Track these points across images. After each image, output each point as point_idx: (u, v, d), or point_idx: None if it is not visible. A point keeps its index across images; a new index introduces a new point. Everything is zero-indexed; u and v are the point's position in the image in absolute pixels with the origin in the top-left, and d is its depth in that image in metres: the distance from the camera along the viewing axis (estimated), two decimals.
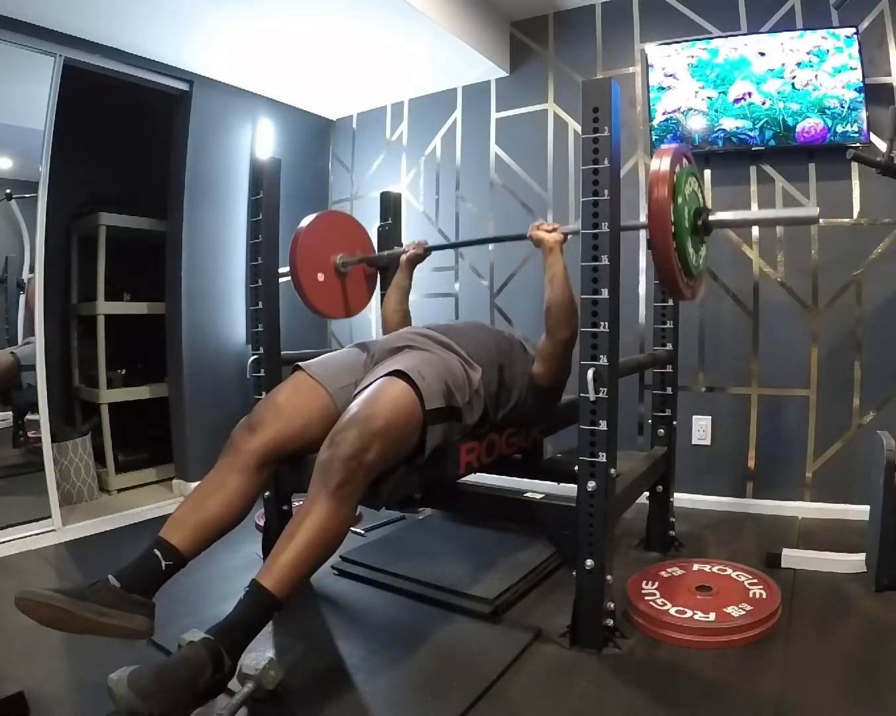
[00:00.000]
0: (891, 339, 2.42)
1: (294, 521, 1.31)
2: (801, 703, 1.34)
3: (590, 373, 1.53)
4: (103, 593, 1.24)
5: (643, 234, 2.78)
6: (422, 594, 1.87)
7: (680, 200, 1.59)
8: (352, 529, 2.42)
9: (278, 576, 1.24)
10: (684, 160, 1.71)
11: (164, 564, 1.32)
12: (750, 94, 2.52)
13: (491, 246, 3.18)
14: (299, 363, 1.68)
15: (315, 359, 1.72)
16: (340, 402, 1.57)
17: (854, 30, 2.33)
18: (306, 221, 2.30)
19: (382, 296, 2.71)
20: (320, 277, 2.33)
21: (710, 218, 1.73)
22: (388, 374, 1.51)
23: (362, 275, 2.52)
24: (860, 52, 2.33)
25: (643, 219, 1.68)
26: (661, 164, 1.58)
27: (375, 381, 1.50)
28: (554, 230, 1.85)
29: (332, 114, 3.69)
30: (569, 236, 1.86)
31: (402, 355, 1.65)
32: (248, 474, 1.46)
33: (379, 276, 2.70)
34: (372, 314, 3.51)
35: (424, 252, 2.27)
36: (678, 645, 1.58)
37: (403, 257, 2.27)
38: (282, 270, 2.16)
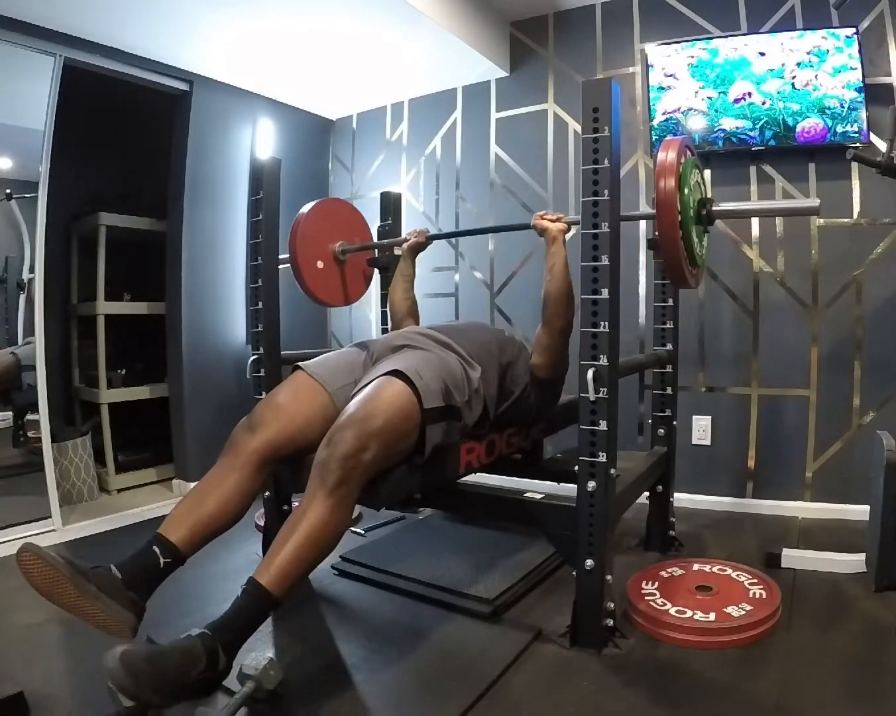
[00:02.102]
0: (891, 339, 2.42)
1: (291, 519, 1.32)
2: (801, 703, 1.34)
3: (590, 373, 1.53)
4: (104, 580, 1.23)
5: (643, 234, 2.79)
6: (422, 594, 1.87)
7: (686, 190, 1.62)
8: (352, 529, 2.42)
9: (275, 574, 1.25)
10: (688, 152, 1.73)
11: (162, 561, 1.32)
12: (750, 94, 2.52)
13: (491, 245, 3.18)
14: (299, 363, 1.68)
15: (315, 359, 1.72)
16: (339, 401, 1.57)
17: (854, 30, 2.33)
18: (306, 208, 2.30)
19: (383, 296, 2.72)
20: (319, 264, 2.32)
21: (714, 208, 1.75)
22: (386, 373, 1.51)
23: (361, 263, 2.52)
24: (860, 52, 2.33)
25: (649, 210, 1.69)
26: (667, 155, 1.61)
27: (373, 380, 1.50)
28: (558, 219, 1.85)
29: (332, 114, 3.70)
30: (573, 227, 1.85)
31: (400, 355, 1.65)
32: (248, 474, 1.46)
33: (380, 276, 2.71)
34: (372, 314, 3.52)
35: (426, 240, 2.25)
36: (678, 645, 1.58)
37: (405, 246, 2.25)
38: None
